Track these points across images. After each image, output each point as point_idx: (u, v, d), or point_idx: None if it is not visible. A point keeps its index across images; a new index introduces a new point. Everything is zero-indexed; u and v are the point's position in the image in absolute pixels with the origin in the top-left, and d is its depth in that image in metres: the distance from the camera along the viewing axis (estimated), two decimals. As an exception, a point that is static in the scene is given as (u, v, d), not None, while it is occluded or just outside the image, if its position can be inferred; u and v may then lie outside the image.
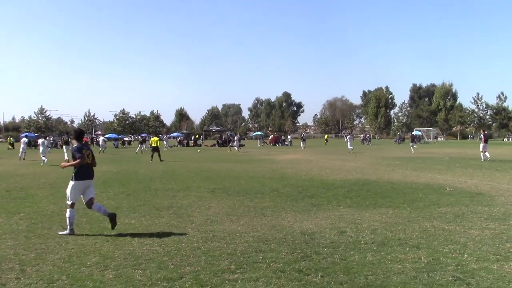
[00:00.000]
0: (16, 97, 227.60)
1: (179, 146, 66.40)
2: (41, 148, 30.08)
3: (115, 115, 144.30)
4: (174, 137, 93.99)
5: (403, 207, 11.28)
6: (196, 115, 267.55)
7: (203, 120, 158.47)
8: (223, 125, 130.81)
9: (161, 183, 17.06)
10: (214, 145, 65.90)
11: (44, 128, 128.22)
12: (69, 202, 8.78)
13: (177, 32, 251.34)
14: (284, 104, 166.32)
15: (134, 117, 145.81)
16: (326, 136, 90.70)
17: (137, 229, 8.96)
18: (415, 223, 9.37)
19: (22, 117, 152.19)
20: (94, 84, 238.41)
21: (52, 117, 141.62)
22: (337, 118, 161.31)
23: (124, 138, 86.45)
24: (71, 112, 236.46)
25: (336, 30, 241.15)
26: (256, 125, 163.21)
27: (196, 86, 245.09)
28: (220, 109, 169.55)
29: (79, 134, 9.35)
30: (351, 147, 41.62)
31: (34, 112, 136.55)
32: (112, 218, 8.73)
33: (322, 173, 20.34)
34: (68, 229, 8.62)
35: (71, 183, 8.86)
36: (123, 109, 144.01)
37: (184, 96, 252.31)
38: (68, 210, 8.65)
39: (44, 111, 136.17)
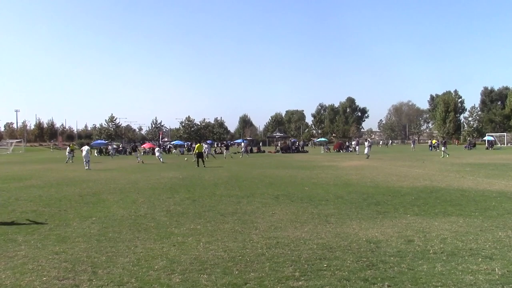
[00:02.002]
0: (88, 106, 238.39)
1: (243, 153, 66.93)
2: (83, 153, 32.38)
3: (181, 122, 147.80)
4: (237, 144, 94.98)
5: (474, 216, 10.81)
6: (260, 122, 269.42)
7: (267, 126, 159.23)
8: (286, 131, 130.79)
9: (225, 189, 17.27)
10: (277, 151, 65.99)
11: (114, 135, 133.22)
12: None
13: (242, 40, 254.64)
14: (348, 110, 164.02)
15: (199, 124, 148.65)
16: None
17: (202, 234, 9.10)
18: (488, 232, 8.95)
19: (93, 125, 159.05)
20: (161, 92, 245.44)
21: (122, 125, 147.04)
22: (403, 123, 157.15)
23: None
24: (139, 119, 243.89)
25: (401, 32, 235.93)
26: (319, 131, 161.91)
27: (259, 93, 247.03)
28: (283, 115, 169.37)
29: None
30: (367, 153, 42.49)
31: (105, 120, 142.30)
32: None
33: (388, 180, 19.87)
34: None
35: None
36: (189, 116, 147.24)
37: (248, 102, 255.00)
38: None
39: (114, 119, 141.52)
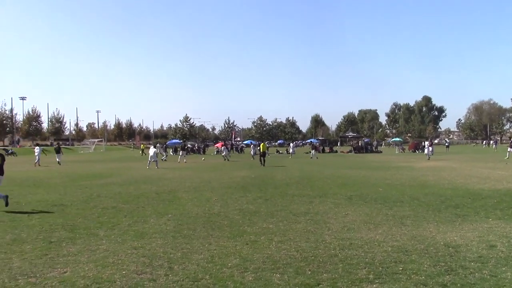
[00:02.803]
0: (164, 107, 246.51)
1: (313, 152, 66.51)
2: (150, 153, 33.20)
3: (253, 122, 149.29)
4: (308, 143, 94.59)
5: None
6: (332, 122, 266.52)
7: (339, 126, 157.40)
8: (359, 131, 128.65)
9: (297, 189, 17.23)
10: (350, 151, 65.07)
11: (189, 135, 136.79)
12: None
13: (313, 40, 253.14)
14: (424, 109, 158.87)
15: (271, 124, 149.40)
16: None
17: (274, 233, 9.13)
18: None
19: (169, 125, 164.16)
20: (234, 92, 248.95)
21: (196, 125, 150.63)
22: (484, 123, 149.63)
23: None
24: (212, 120, 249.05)
25: (478, 24, 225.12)
26: (394, 131, 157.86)
27: (332, 92, 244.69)
28: (356, 115, 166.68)
29: None
30: (427, 154, 40.80)
31: (180, 120, 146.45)
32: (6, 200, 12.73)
33: (468, 182, 19.01)
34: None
35: None
36: (261, 116, 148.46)
37: (320, 102, 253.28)
38: None
39: (188, 119, 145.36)
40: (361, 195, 15.06)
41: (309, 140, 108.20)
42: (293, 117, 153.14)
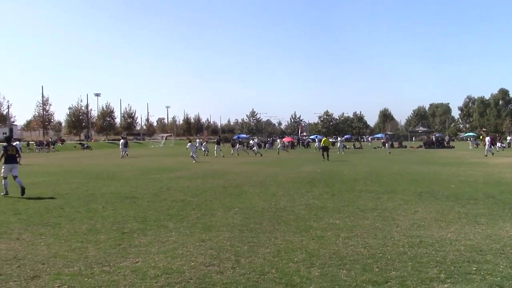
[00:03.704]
0: (231, 102, 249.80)
1: (382, 147, 65.12)
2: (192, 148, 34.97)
3: (319, 117, 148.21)
4: (377, 138, 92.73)
5: None
6: (401, 116, 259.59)
7: (409, 120, 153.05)
8: (430, 125, 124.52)
9: (365, 184, 16.94)
10: (420, 146, 63.19)
11: (255, 129, 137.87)
12: (2, 175, 14.91)
13: (384, 33, 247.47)
14: (500, 102, 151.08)
15: (338, 118, 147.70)
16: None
17: (341, 229, 9.02)
18: None
19: (236, 119, 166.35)
20: (300, 87, 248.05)
21: (262, 120, 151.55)
22: None
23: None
24: (279, 114, 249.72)
25: None
26: (467, 125, 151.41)
27: (400, 86, 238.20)
28: (427, 109, 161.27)
29: (8, 138, 16.47)
30: (488, 150, 38.12)
31: (246, 115, 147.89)
32: (23, 190, 14.33)
33: (548, 179, 17.93)
34: (4, 191, 14.51)
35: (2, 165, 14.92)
36: (327, 110, 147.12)
37: (388, 96, 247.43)
38: (3, 180, 14.69)
39: (255, 114, 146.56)
40: (431, 191, 14.58)
41: (380, 135, 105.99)
42: (360, 112, 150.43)
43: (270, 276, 6.08)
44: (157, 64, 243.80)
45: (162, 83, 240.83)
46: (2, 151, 15.05)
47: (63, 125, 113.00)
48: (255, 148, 44.68)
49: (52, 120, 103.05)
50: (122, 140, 42.49)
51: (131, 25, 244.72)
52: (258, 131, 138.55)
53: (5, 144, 15.37)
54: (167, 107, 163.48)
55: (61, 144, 78.01)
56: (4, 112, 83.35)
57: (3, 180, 14.81)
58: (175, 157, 41.25)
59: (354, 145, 69.15)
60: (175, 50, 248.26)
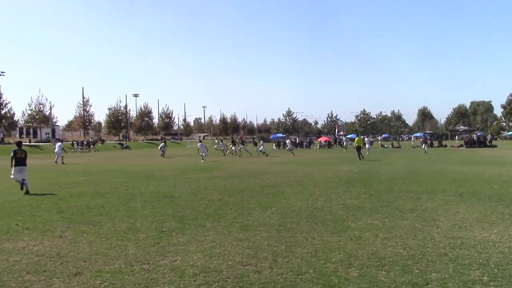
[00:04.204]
0: (267, 102, 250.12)
1: (422, 146, 63.81)
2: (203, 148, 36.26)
3: (356, 116, 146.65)
4: (416, 137, 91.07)
5: None
6: (441, 114, 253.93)
7: (449, 119, 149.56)
8: (471, 124, 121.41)
9: (403, 184, 16.65)
10: (461, 145, 61.72)
11: (291, 129, 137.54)
12: (12, 177, 16.17)
13: (424, 33, 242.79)
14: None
15: (375, 117, 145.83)
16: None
17: (380, 230, 8.90)
18: None
19: (272, 119, 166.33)
20: (339, 86, 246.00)
21: (298, 119, 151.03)
22: None
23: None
24: (315, 114, 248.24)
25: None
26: (510, 123, 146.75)
27: (439, 84, 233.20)
28: (467, 107, 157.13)
29: (18, 143, 17.35)
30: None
31: (283, 115, 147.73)
32: (27, 191, 15.33)
33: None
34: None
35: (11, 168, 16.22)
36: (364, 109, 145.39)
37: (427, 94, 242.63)
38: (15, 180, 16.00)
39: (291, 113, 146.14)
40: (473, 192, 14.22)
41: (418, 134, 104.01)
42: (398, 110, 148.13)
43: (308, 276, 6.05)
44: (194, 65, 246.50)
45: (199, 83, 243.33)
46: (12, 155, 16.32)
47: (103, 125, 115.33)
48: (262, 148, 44.15)
49: (92, 121, 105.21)
50: (200, 143, 43.13)
51: (169, 27, 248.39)
52: (294, 131, 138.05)
53: (15, 148, 16.66)
54: (204, 107, 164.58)
55: (101, 144, 79.79)
56: (47, 113, 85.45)
57: (23, 180, 15.88)
58: (211, 157, 41.53)
59: (392, 144, 68.07)
60: (212, 50, 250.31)
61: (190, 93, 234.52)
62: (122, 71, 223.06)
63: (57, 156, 34.76)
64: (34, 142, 76.12)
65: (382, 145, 67.50)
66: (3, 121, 79.99)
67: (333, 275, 6.08)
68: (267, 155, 41.43)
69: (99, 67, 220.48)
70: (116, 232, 8.97)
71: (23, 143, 18.47)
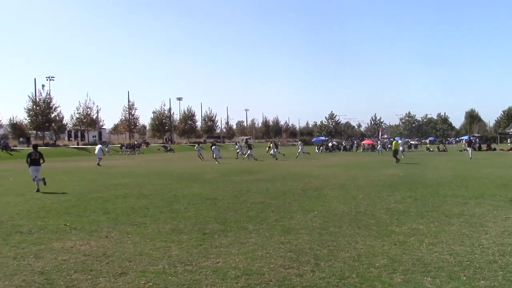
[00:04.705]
0: (309, 105, 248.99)
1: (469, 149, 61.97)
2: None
3: (401, 119, 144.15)
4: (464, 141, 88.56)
5: None
6: (490, 117, 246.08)
7: (498, 121, 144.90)
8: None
9: (450, 188, 16.22)
10: (511, 149, 59.65)
11: (334, 132, 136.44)
12: (31, 176, 17.92)
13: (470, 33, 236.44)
14: None
15: (421, 120, 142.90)
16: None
17: (425, 235, 8.69)
18: None
19: (314, 122, 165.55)
20: (382, 89, 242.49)
21: (341, 122, 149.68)
22: None
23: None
24: (358, 116, 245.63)
25: None
26: None
27: (487, 86, 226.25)
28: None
29: (34, 146, 19.79)
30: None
31: (325, 117, 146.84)
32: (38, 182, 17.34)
33: None
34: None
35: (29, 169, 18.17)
36: (409, 112, 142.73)
37: (475, 97, 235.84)
38: (36, 180, 17.48)
39: (333, 116, 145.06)
40: (524, 197, 13.71)
41: (466, 137, 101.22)
42: (445, 113, 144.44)
43: (351, 281, 5.97)
44: (236, 68, 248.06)
45: (242, 86, 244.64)
46: (27, 157, 18.45)
47: (147, 128, 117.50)
48: (249, 151, 43.03)
49: (137, 124, 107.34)
50: (213, 146, 43.33)
51: (213, 30, 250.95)
52: (337, 134, 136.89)
53: (31, 151, 18.92)
54: (246, 110, 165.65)
55: (146, 147, 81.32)
56: (94, 117, 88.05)
57: (37, 179, 17.58)
58: (258, 160, 41.69)
59: (438, 147, 66.46)
60: (255, 54, 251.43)
61: (233, 96, 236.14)
62: (166, 75, 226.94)
63: (98, 158, 36.43)
64: (82, 145, 78.42)
65: (427, 149, 65.99)
66: (53, 124, 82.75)
67: (377, 280, 5.98)
68: (256, 160, 40.23)
69: (144, 71, 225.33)
70: (160, 233, 9.11)
71: (38, 146, 21.24)
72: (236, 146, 47.86)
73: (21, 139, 79.51)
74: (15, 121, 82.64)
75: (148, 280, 6.13)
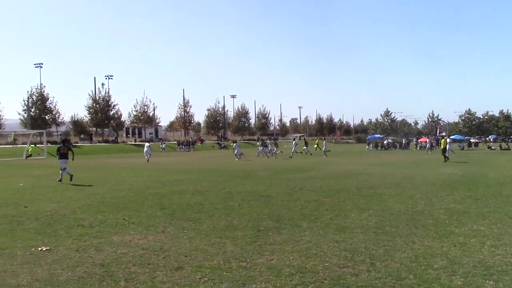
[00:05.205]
0: (364, 102, 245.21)
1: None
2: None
3: (460, 116, 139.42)
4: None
5: None
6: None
7: None
8: None
9: (513, 189, 15.55)
10: None
11: (390, 129, 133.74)
12: (61, 166, 20.09)
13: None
14: None
15: (481, 117, 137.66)
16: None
17: (487, 236, 8.36)
18: None
19: (369, 119, 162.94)
20: (440, 85, 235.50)
21: (397, 119, 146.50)
22: None
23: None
24: (415, 113, 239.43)
25: None
26: None
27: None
28: None
29: (63, 140, 25.34)
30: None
31: (380, 115, 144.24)
32: (71, 177, 19.41)
33: None
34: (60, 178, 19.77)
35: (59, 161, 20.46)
36: (469, 109, 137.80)
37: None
38: (61, 171, 19.86)
39: (389, 113, 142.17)
40: None
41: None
42: (507, 110, 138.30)
43: (408, 282, 5.82)
44: (290, 65, 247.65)
45: (295, 84, 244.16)
46: (57, 150, 21.17)
47: (202, 125, 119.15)
48: (270, 148, 43.26)
49: (192, 121, 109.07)
50: (294, 141, 44.14)
51: (268, 29, 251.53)
52: (392, 131, 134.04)
53: (59, 145, 21.99)
54: (300, 107, 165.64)
55: (201, 144, 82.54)
56: (150, 114, 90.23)
57: (61, 171, 19.84)
58: (305, 158, 41.50)
59: (500, 146, 63.82)
60: (307, 51, 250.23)
61: (286, 94, 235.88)
62: (220, 73, 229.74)
63: (148, 155, 37.47)
64: (139, 142, 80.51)
65: (489, 147, 63.52)
66: (111, 121, 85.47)
67: (435, 282, 5.80)
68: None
69: (199, 69, 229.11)
70: (215, 230, 9.22)
71: (68, 140, 23.80)
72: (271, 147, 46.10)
73: (82, 136, 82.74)
74: (76, 119, 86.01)
75: (204, 275, 6.21)
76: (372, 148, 63.10)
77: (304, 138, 59.96)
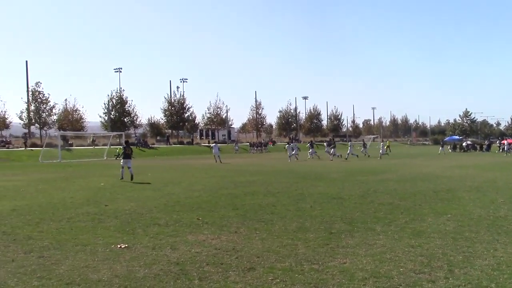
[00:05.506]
0: (439, 102, 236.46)
1: None
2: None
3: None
4: None
5: None
6: None
7: None
8: None
9: None
10: None
11: (469, 131, 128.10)
12: (121, 164, 22.11)
13: None
14: None
15: None
16: None
17: None
18: None
19: (447, 120, 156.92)
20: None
21: (477, 120, 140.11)
22: None
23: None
24: (497, 114, 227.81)
25: None
26: None
27: None
28: None
29: (126, 142, 25.96)
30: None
31: (459, 115, 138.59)
32: (131, 176, 20.81)
33: None
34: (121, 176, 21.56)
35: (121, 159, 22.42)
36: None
37: None
38: (121, 169, 21.82)
39: (468, 114, 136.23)
40: None
41: None
42: None
43: (489, 291, 5.54)
44: (363, 67, 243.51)
45: (368, 85, 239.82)
46: (123, 150, 22.79)
47: (274, 127, 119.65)
48: (333, 150, 42.06)
49: (264, 123, 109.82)
50: (381, 143, 44.30)
51: (340, 31, 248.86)
52: (472, 132, 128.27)
53: (124, 145, 23.61)
54: (373, 108, 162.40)
55: (272, 145, 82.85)
56: (223, 116, 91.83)
57: (121, 169, 21.77)
58: (377, 159, 40.59)
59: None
60: (381, 52, 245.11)
61: (359, 95, 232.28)
62: (292, 75, 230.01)
63: (216, 156, 38.47)
64: (212, 143, 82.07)
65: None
66: (186, 123, 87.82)
67: (520, 292, 5.48)
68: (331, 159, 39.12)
69: (270, 72, 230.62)
70: (287, 231, 9.22)
71: (130, 142, 29.05)
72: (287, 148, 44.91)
73: (158, 138, 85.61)
74: (153, 121, 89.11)
75: (276, 276, 6.22)
76: (450, 150, 60.61)
77: (363, 140, 58.66)
